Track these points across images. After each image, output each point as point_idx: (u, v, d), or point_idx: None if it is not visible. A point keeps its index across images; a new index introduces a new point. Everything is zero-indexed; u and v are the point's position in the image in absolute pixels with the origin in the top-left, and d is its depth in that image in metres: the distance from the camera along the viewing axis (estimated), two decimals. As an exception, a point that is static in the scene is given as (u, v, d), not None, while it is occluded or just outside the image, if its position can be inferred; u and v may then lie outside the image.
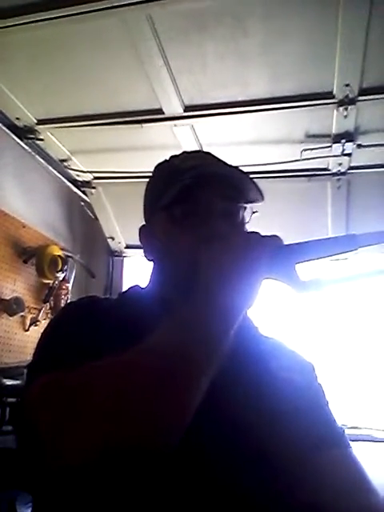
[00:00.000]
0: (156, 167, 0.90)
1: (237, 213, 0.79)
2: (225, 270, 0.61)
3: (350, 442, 0.74)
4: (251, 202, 0.80)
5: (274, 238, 0.66)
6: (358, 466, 0.70)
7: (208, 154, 0.90)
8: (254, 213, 0.81)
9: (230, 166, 0.82)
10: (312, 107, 1.80)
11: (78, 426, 0.53)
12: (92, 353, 0.58)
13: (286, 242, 0.67)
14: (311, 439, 0.69)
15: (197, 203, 0.76)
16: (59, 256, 2.37)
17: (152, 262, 0.85)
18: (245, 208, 0.80)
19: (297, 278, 0.64)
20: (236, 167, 0.80)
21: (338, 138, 1.98)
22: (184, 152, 0.89)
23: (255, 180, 0.78)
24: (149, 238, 0.85)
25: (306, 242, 0.66)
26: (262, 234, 0.68)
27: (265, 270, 0.63)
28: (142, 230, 0.87)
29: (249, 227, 0.81)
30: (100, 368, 0.57)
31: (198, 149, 0.86)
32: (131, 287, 0.87)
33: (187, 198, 0.75)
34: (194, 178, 0.75)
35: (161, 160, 0.90)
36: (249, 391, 0.69)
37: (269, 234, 0.67)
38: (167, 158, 0.90)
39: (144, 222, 0.88)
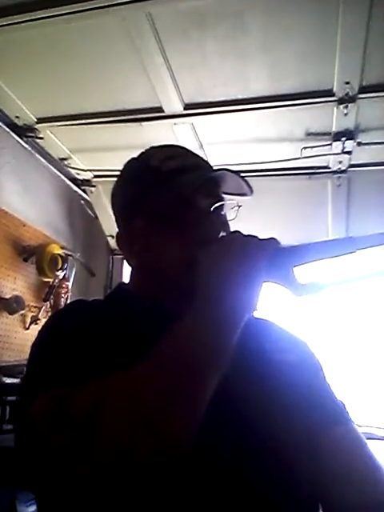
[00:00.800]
0: (126, 167, 0.86)
1: (227, 213, 0.78)
2: (224, 277, 0.61)
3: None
4: (241, 195, 0.78)
5: (272, 241, 0.65)
6: (361, 444, 0.69)
7: (179, 147, 0.87)
8: (238, 207, 0.80)
9: (206, 161, 0.81)
10: (312, 105, 1.80)
11: (94, 446, 0.52)
12: (90, 363, 0.57)
13: (284, 244, 0.66)
14: (312, 421, 0.68)
15: (188, 208, 0.75)
16: (59, 254, 2.37)
17: (136, 268, 0.83)
18: (236, 206, 0.79)
19: (295, 281, 0.64)
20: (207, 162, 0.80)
21: (338, 136, 1.97)
22: (152, 148, 0.86)
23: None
24: (132, 245, 0.81)
25: (303, 245, 0.66)
26: (255, 234, 0.67)
27: (264, 273, 0.62)
28: (121, 236, 0.83)
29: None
30: (109, 386, 0.56)
31: (170, 143, 0.82)
32: (117, 288, 0.86)
33: (175, 201, 0.74)
34: (186, 184, 0.74)
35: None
36: (245, 375, 0.69)
37: (267, 234, 0.67)
38: (135, 157, 0.86)
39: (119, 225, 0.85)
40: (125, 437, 0.52)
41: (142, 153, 0.87)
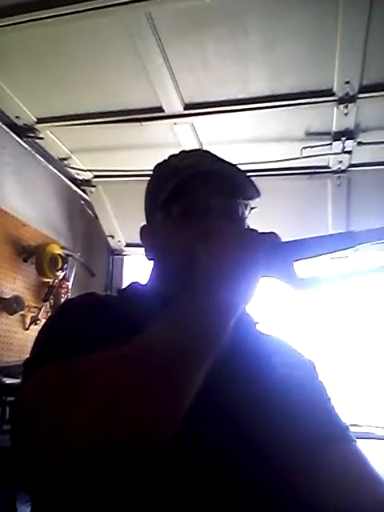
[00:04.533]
0: (155, 167, 0.90)
1: (234, 209, 0.79)
2: (222, 267, 0.61)
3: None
4: (248, 199, 0.80)
5: (272, 235, 0.66)
6: (363, 459, 0.70)
7: (206, 152, 0.90)
8: (252, 209, 0.81)
9: (229, 163, 0.82)
10: (312, 105, 1.80)
11: (72, 418, 0.53)
12: (89, 348, 0.58)
13: (284, 240, 0.66)
14: (314, 435, 0.69)
15: (193, 200, 0.76)
16: (59, 254, 2.37)
17: (152, 261, 0.85)
18: (245, 205, 0.80)
19: (294, 276, 0.64)
20: (233, 165, 0.80)
21: (338, 136, 1.98)
22: (182, 151, 0.89)
23: (254, 177, 0.78)
24: (149, 238, 0.85)
25: (304, 240, 0.66)
26: (261, 231, 0.68)
27: (262, 267, 0.62)
28: (142, 229, 0.88)
29: (248, 224, 0.81)
30: (96, 360, 0.57)
31: (197, 147, 0.84)
32: (130, 284, 0.88)
33: (184, 195, 0.76)
34: (189, 175, 0.75)
35: (161, 158, 0.90)
36: (249, 387, 0.69)
37: (269, 231, 0.67)
38: (166, 158, 0.89)
39: (144, 221, 0.88)
40: (102, 415, 0.52)
41: (172, 155, 0.90)
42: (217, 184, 0.77)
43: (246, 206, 0.80)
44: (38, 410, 0.56)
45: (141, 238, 0.88)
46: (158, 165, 0.89)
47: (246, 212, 0.80)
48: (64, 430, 0.52)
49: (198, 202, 0.76)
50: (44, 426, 0.54)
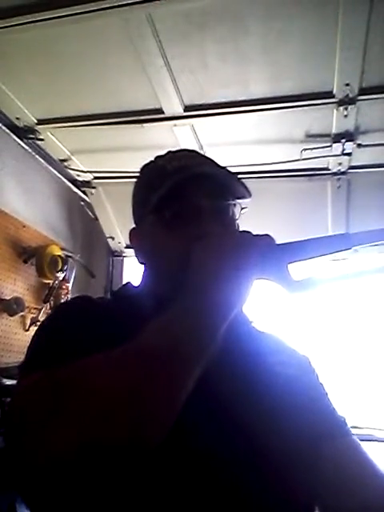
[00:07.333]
0: (142, 169, 0.89)
1: (226, 210, 0.79)
2: (215, 269, 0.61)
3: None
4: (239, 198, 0.79)
5: (266, 238, 0.66)
6: (361, 454, 0.70)
7: (193, 152, 0.89)
8: (242, 209, 0.80)
9: (217, 164, 0.82)
10: (312, 107, 1.80)
11: (62, 421, 0.52)
12: (84, 352, 0.57)
13: (283, 241, 0.66)
14: (312, 433, 0.69)
15: (185, 203, 0.76)
16: (59, 256, 2.37)
17: (143, 265, 0.84)
18: (234, 205, 0.79)
19: (289, 278, 0.63)
20: (223, 167, 0.80)
21: (338, 138, 1.98)
22: (169, 152, 0.88)
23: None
24: (139, 241, 0.84)
25: (298, 242, 0.66)
26: (256, 233, 0.67)
27: (256, 269, 0.62)
28: (132, 232, 0.87)
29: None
30: (88, 364, 0.56)
31: (182, 148, 0.84)
32: (123, 286, 0.87)
33: (175, 198, 0.75)
34: (181, 178, 0.75)
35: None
36: (245, 386, 0.69)
37: (264, 233, 0.67)
38: (153, 159, 0.89)
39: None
40: (94, 418, 0.51)
41: (158, 156, 0.89)
42: (208, 186, 0.77)
43: (235, 206, 0.80)
44: (29, 413, 0.55)
45: (130, 241, 0.87)
46: (145, 166, 0.88)
47: (237, 213, 0.80)
48: (54, 433, 0.52)
49: (190, 205, 0.75)
50: (34, 431, 0.53)
